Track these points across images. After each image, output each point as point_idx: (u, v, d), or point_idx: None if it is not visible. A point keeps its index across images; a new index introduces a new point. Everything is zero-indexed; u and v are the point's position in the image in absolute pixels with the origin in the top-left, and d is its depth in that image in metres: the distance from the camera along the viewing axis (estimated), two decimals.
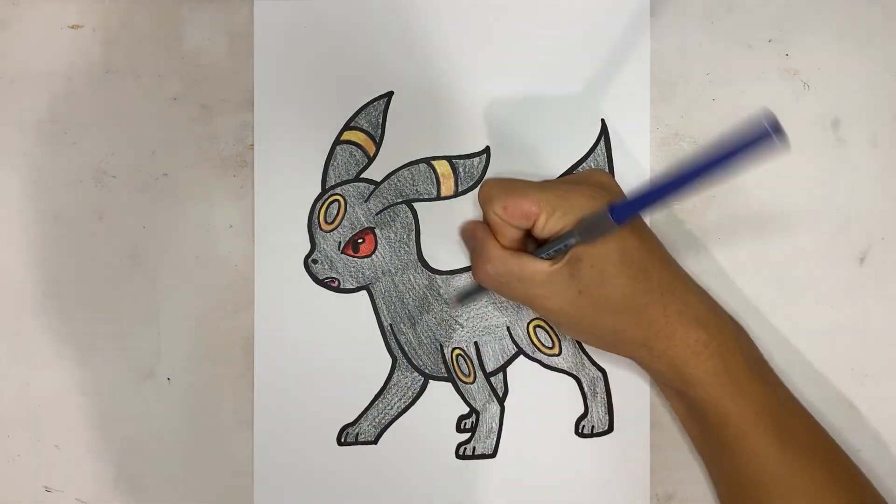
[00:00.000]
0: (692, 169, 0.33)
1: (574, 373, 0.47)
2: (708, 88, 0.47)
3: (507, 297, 0.43)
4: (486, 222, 0.42)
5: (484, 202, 0.41)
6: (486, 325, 0.47)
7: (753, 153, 0.29)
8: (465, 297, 0.46)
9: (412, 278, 0.47)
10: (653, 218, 0.47)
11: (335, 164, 0.47)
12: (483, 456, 0.47)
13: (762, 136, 0.28)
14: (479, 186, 0.43)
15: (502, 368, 0.47)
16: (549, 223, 0.40)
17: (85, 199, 0.47)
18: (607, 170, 0.47)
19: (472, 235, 0.43)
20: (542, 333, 0.47)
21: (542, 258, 0.40)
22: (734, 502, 0.42)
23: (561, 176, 0.47)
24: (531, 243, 0.43)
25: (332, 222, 0.47)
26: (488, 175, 0.47)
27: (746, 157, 0.30)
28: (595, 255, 0.39)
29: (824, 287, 0.46)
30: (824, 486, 0.39)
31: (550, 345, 0.47)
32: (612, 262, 0.39)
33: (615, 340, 0.41)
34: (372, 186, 0.47)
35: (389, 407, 0.47)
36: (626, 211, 0.37)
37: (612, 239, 0.39)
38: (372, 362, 0.47)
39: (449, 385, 0.47)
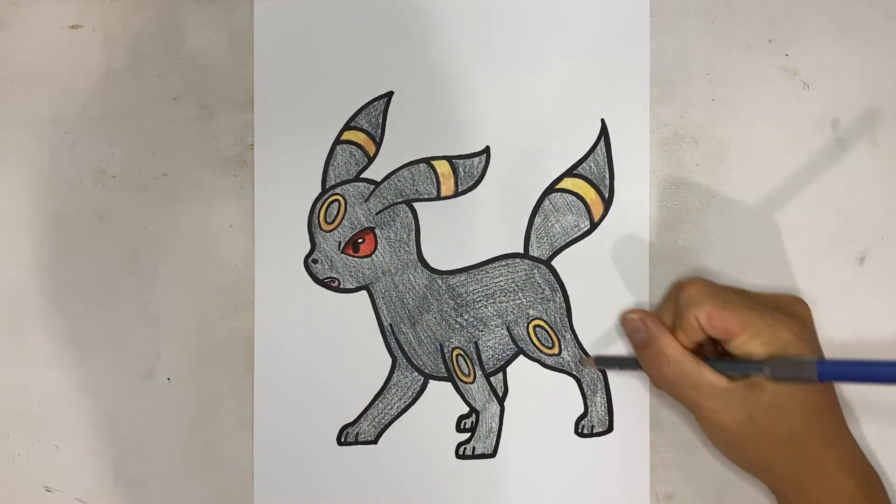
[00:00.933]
0: None
1: (574, 373, 0.47)
2: (708, 88, 0.47)
3: (672, 396, 0.42)
4: (662, 313, 0.43)
5: (687, 304, 0.41)
6: (485, 325, 0.47)
7: None
8: (609, 363, 0.46)
9: (412, 278, 0.47)
10: (651, 215, 0.47)
11: (335, 163, 0.47)
12: (483, 456, 0.47)
13: None
14: (684, 286, 0.41)
15: (502, 368, 0.47)
16: (747, 345, 0.39)
17: (85, 199, 0.47)
18: (606, 171, 0.47)
19: (643, 327, 0.42)
20: (542, 333, 0.47)
21: (719, 372, 0.40)
22: None
23: (568, 170, 0.47)
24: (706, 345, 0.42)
25: (332, 222, 0.47)
26: (489, 175, 0.47)
27: None
28: (778, 390, 0.39)
29: (824, 287, 0.46)
30: None
31: (550, 344, 0.47)
32: (793, 401, 0.39)
33: (766, 470, 0.41)
34: (372, 186, 0.47)
35: (389, 407, 0.47)
36: (835, 373, 0.36)
37: (802, 385, 0.39)
38: (372, 362, 0.47)
39: (449, 385, 0.47)
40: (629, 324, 0.44)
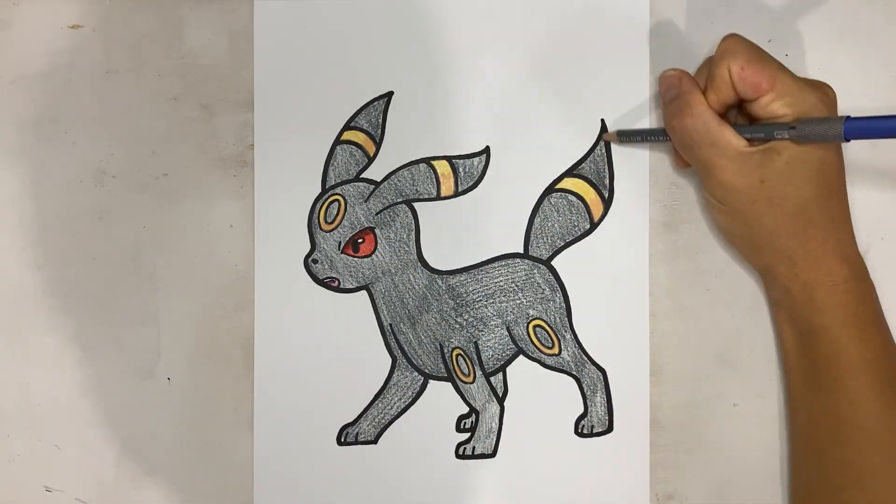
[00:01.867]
0: None
1: (574, 373, 0.47)
2: None
3: (686, 155, 0.43)
4: (697, 76, 0.43)
5: (724, 54, 0.41)
6: (485, 325, 0.47)
7: None
8: (630, 136, 0.46)
9: (412, 278, 0.47)
10: (651, 215, 0.47)
11: (335, 163, 0.47)
12: (483, 456, 0.47)
13: None
14: (722, 40, 0.41)
15: (502, 368, 0.47)
16: (773, 105, 0.40)
17: (85, 199, 0.47)
18: (606, 171, 0.47)
19: (675, 84, 0.43)
20: (541, 333, 0.47)
21: (741, 135, 0.40)
22: (820, 434, 0.42)
23: (568, 170, 0.47)
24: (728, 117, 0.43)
25: (332, 222, 0.47)
26: (489, 175, 0.47)
27: None
28: (796, 154, 0.39)
29: None
30: None
31: (550, 344, 0.47)
32: (808, 168, 0.40)
33: (765, 243, 0.42)
34: (372, 186, 0.47)
35: (389, 407, 0.47)
36: (862, 130, 0.36)
37: (819, 148, 0.39)
38: (372, 362, 0.47)
39: (449, 385, 0.47)
40: (665, 80, 0.44)
